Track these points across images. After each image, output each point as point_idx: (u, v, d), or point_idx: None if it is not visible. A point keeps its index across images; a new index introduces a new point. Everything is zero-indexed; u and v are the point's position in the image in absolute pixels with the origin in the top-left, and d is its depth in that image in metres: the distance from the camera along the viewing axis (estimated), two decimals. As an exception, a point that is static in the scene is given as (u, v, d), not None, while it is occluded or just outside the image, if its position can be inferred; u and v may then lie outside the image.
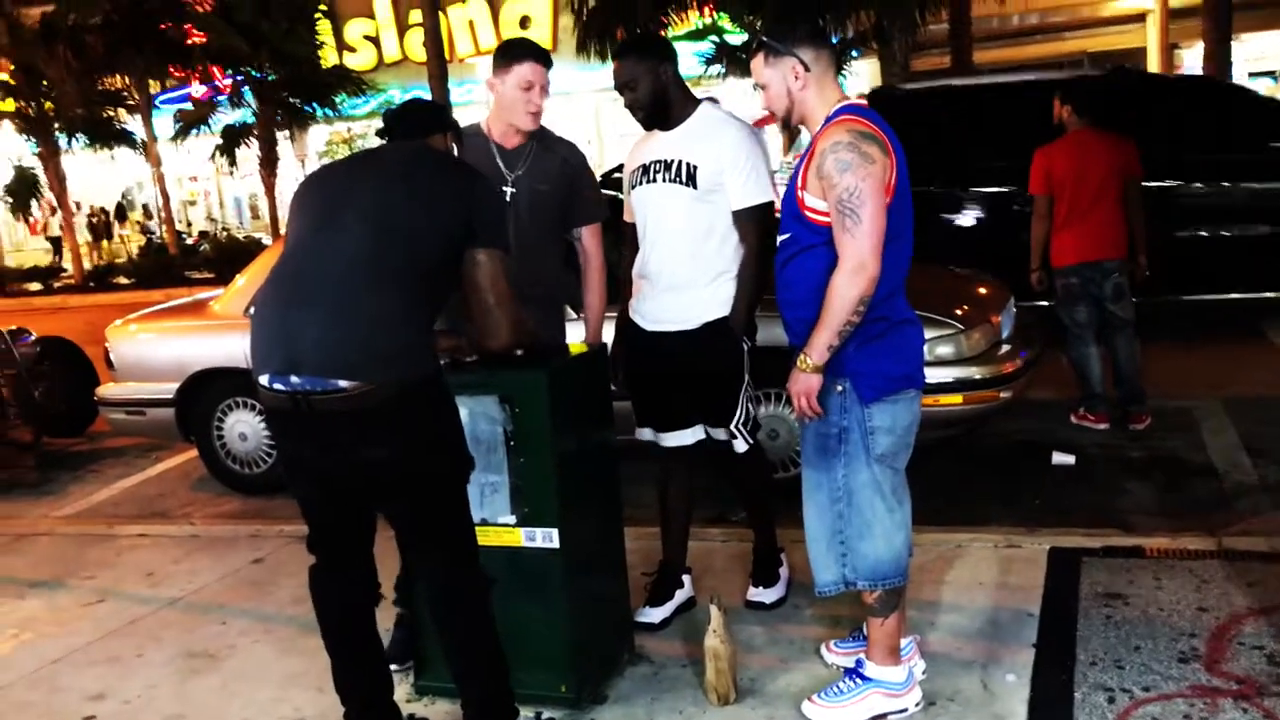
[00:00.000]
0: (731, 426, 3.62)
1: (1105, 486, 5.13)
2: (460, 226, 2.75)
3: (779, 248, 3.03)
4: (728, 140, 3.52)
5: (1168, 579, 3.73)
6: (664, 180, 3.55)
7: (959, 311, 5.12)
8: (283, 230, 11.05)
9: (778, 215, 3.18)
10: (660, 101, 3.56)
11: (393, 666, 3.19)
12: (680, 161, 3.53)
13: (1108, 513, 4.70)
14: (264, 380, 2.69)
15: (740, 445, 3.65)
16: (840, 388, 2.92)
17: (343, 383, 2.59)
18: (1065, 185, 5.74)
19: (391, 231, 2.69)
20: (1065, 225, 5.79)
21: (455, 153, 3.15)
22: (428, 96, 15.81)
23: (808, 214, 2.89)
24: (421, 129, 3.07)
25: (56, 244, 29.54)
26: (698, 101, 3.64)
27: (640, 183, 3.63)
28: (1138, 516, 4.65)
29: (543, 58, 3.49)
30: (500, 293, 2.78)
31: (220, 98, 22.56)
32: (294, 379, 2.62)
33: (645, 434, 3.76)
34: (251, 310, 5.88)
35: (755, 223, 3.52)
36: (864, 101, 2.96)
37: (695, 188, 3.50)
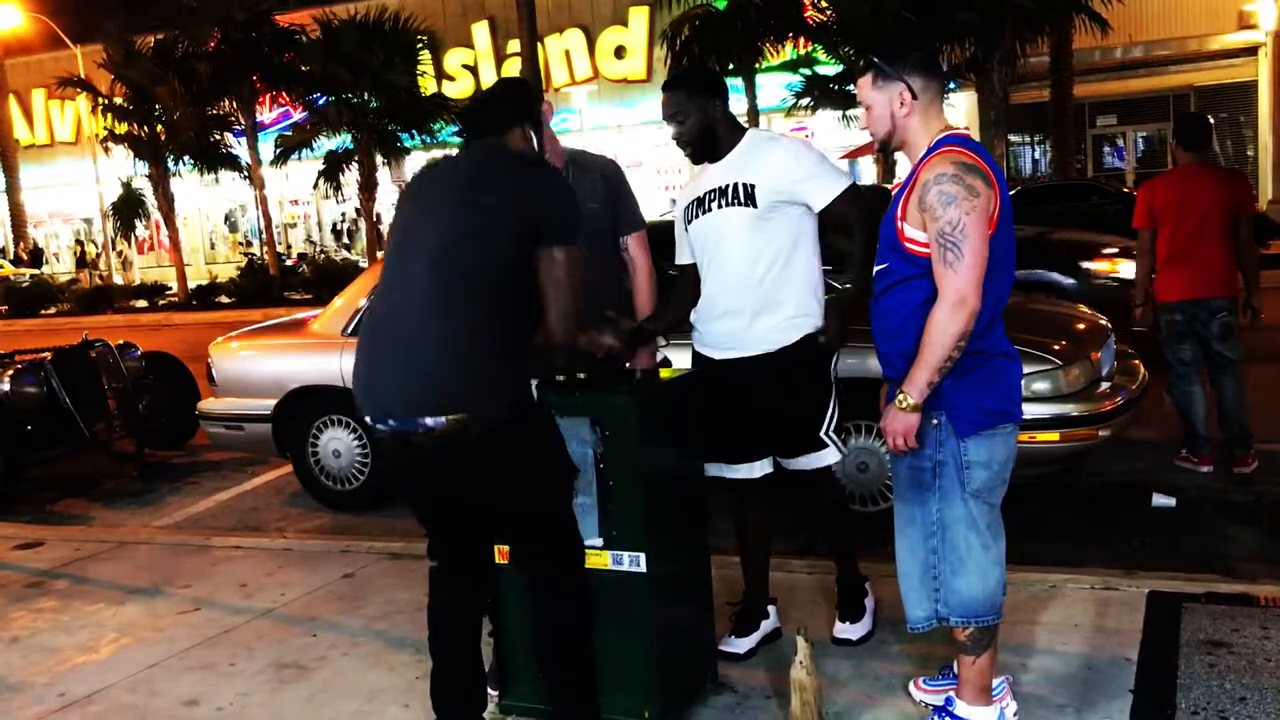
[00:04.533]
0: (821, 434, 3.56)
1: (1208, 531, 4.96)
2: (525, 232, 2.71)
3: (875, 278, 3.00)
4: (781, 152, 3.52)
5: (1276, 629, 3.58)
6: (720, 206, 3.53)
7: (1057, 347, 5.01)
8: (378, 254, 11.30)
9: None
10: (707, 136, 3.56)
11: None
12: (735, 184, 3.50)
13: (1210, 558, 4.54)
14: (366, 419, 2.83)
15: (833, 454, 3.60)
16: (935, 420, 2.87)
17: (428, 420, 2.65)
18: (1166, 219, 5.59)
19: (452, 263, 2.68)
20: (1168, 261, 5.64)
21: (535, 143, 3.05)
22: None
23: (906, 245, 2.85)
24: (498, 126, 2.99)
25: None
26: (744, 130, 3.63)
27: (696, 215, 3.60)
28: (1242, 563, 4.48)
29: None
30: (573, 285, 2.75)
31: (321, 125, 23.22)
32: (390, 421, 2.72)
33: (712, 468, 3.65)
34: (348, 330, 5.95)
35: (850, 204, 3.47)
36: (967, 130, 2.92)
37: (755, 206, 3.47)
